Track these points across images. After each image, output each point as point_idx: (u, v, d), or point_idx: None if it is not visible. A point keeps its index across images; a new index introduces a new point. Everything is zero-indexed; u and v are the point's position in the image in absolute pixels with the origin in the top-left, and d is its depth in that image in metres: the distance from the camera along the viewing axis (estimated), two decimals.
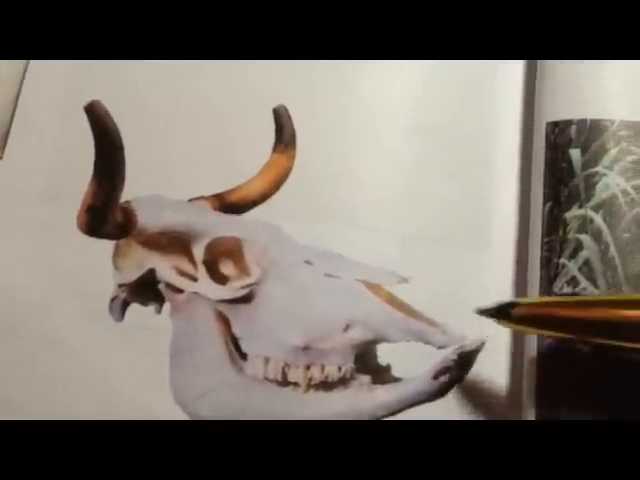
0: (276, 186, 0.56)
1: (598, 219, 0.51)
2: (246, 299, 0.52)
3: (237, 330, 0.52)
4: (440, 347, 0.51)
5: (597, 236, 0.51)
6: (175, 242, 0.53)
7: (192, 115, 0.58)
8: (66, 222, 0.53)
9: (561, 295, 0.50)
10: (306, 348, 0.51)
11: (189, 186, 0.56)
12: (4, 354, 0.54)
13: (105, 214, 0.52)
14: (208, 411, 0.52)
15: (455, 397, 0.51)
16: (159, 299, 0.54)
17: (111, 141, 0.52)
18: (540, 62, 0.57)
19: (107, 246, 0.54)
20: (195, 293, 0.53)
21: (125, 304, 0.54)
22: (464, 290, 0.54)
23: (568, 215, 0.51)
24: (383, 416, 0.51)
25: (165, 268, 0.53)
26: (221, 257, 0.53)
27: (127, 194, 0.53)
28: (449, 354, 0.50)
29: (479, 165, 0.57)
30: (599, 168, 0.52)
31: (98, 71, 0.58)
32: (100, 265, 0.54)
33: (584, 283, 0.50)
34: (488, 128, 0.58)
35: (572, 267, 0.51)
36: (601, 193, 0.51)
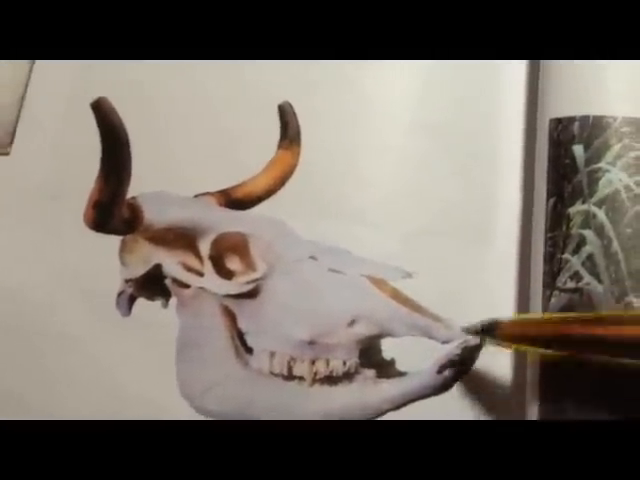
0: (281, 182, 0.56)
1: (601, 214, 0.51)
2: (252, 294, 0.53)
3: (243, 325, 0.53)
4: (444, 342, 0.51)
5: (600, 231, 0.51)
6: (181, 238, 0.53)
7: (198, 112, 0.58)
8: (73, 218, 0.54)
9: (565, 290, 0.50)
10: (311, 343, 0.51)
11: (195, 182, 0.56)
12: (11, 351, 0.54)
13: (112, 210, 0.53)
14: (214, 405, 0.52)
15: (458, 393, 0.51)
16: (165, 294, 0.54)
17: (117, 137, 0.52)
18: (543, 61, 0.57)
19: (114, 242, 0.54)
20: (201, 288, 0.53)
21: (132, 299, 0.54)
22: (468, 285, 0.54)
23: (571, 210, 0.52)
24: (388, 410, 0.51)
25: (171, 263, 0.53)
26: (227, 252, 0.53)
27: (133, 190, 0.54)
28: (453, 349, 0.50)
29: (483, 162, 0.57)
30: (602, 164, 0.52)
31: (103, 69, 0.59)
32: (107, 261, 0.54)
33: (587, 278, 0.50)
34: (491, 125, 0.58)
35: (575, 262, 0.51)
36: (604, 189, 0.52)
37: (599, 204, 0.51)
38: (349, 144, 0.57)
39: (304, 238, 0.54)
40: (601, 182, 0.52)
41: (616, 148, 0.52)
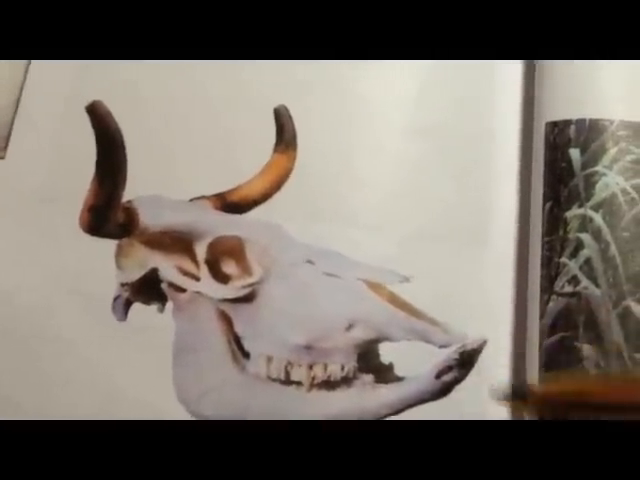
0: (277, 186, 0.56)
1: (598, 218, 0.51)
2: (248, 298, 0.52)
3: (239, 329, 0.53)
4: (442, 346, 0.51)
5: (597, 235, 0.51)
6: (177, 241, 0.53)
7: (193, 115, 0.58)
8: (68, 222, 0.54)
9: (562, 294, 0.50)
10: (308, 347, 0.51)
11: (190, 186, 0.56)
12: (7, 354, 0.54)
13: (107, 214, 0.52)
14: (211, 410, 0.52)
15: (457, 396, 0.51)
16: (162, 298, 0.54)
17: (113, 141, 0.52)
18: (539, 62, 0.57)
19: (109, 246, 0.54)
20: (197, 292, 0.53)
21: (128, 303, 0.54)
22: (465, 289, 0.54)
23: (568, 214, 0.52)
24: (386, 415, 0.51)
25: (167, 267, 0.53)
26: (223, 256, 0.53)
27: (129, 194, 0.54)
28: (451, 353, 0.51)
29: (479, 165, 0.57)
30: (599, 168, 0.52)
31: (99, 72, 0.58)
32: (102, 265, 0.54)
33: (585, 282, 0.50)
34: (488, 128, 0.58)
35: (573, 266, 0.51)
36: (601, 192, 0.52)
37: (596, 208, 0.51)
38: (345, 147, 0.57)
39: (300, 242, 0.54)
40: (598, 186, 0.52)
41: (613, 152, 0.52)
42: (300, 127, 0.57)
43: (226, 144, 0.57)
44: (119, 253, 0.54)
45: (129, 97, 0.57)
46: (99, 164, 0.52)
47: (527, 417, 0.50)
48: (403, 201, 0.56)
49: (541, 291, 0.51)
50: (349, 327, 0.51)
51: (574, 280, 0.51)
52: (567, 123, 0.53)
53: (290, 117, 0.57)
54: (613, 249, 0.50)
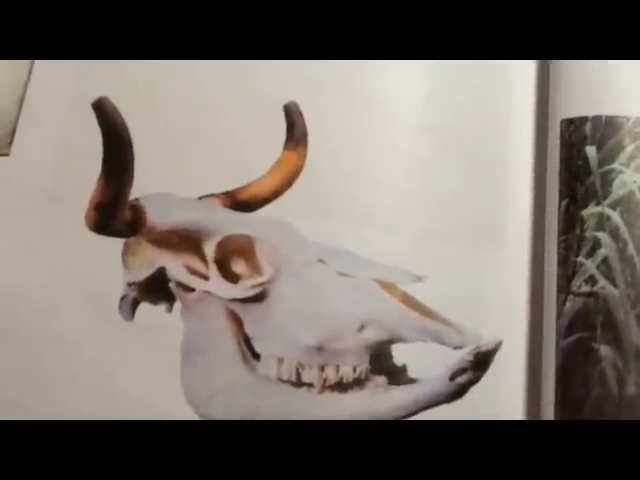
0: (288, 183, 0.55)
1: (615, 216, 0.50)
2: (258, 298, 0.52)
3: (249, 330, 0.52)
4: (456, 347, 0.50)
5: (615, 234, 0.50)
6: (185, 240, 0.52)
7: (202, 112, 0.57)
8: (74, 220, 0.53)
9: (579, 294, 0.50)
10: (320, 348, 0.50)
11: (199, 184, 0.55)
12: (13, 354, 0.53)
13: (114, 212, 0.52)
14: (220, 412, 0.51)
15: (471, 398, 0.50)
16: (170, 298, 0.53)
17: (120, 137, 0.51)
18: (553, 61, 0.56)
19: (116, 244, 0.53)
20: (206, 292, 0.52)
21: (135, 303, 0.53)
22: (479, 289, 0.53)
23: (585, 213, 0.51)
24: (399, 417, 0.50)
25: (176, 266, 0.52)
26: (232, 255, 0.52)
27: (136, 192, 0.53)
28: (465, 355, 0.50)
29: (493, 163, 0.56)
30: (615, 165, 0.51)
31: (106, 69, 0.58)
32: (109, 264, 0.53)
33: (602, 282, 0.50)
34: (501, 126, 0.57)
35: (590, 265, 0.50)
36: (618, 190, 0.51)
37: (613, 206, 0.51)
38: (357, 145, 0.56)
39: (311, 240, 0.53)
40: (615, 183, 0.51)
41: (630, 149, 0.52)
42: (311, 125, 0.56)
43: (236, 141, 0.57)
44: (126, 252, 0.53)
45: (136, 95, 0.57)
46: (106, 161, 0.51)
47: None
48: (416, 200, 0.55)
49: (557, 291, 0.51)
50: (361, 328, 0.50)
51: (591, 280, 0.50)
52: (583, 120, 0.53)
53: (300, 113, 0.56)
54: (631, 248, 0.50)
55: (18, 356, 0.53)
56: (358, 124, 0.57)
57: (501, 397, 0.51)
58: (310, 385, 0.51)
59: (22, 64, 0.59)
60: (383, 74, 0.58)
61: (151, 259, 0.53)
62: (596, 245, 0.50)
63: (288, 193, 0.55)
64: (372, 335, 0.50)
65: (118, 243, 0.53)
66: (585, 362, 0.49)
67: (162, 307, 0.53)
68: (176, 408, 0.51)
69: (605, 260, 0.50)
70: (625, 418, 0.48)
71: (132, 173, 0.52)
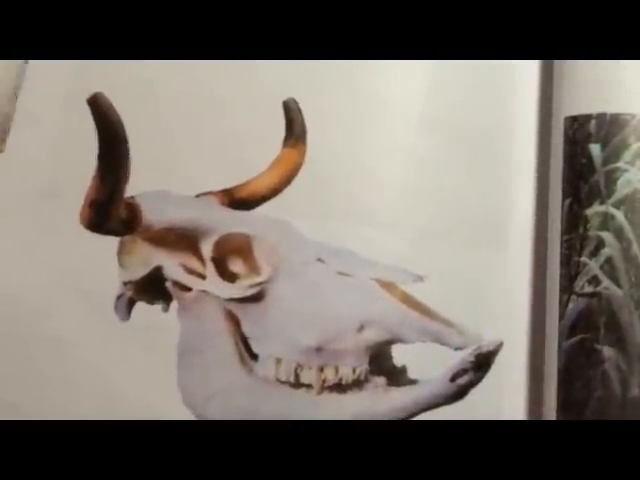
0: (286, 181, 0.55)
1: (620, 216, 0.50)
2: (256, 298, 0.51)
3: (247, 330, 0.51)
4: (457, 348, 0.49)
5: (619, 233, 0.50)
6: (182, 239, 0.52)
7: (199, 108, 0.57)
8: (69, 218, 0.52)
9: (582, 295, 0.49)
10: (319, 349, 0.50)
11: (196, 181, 0.54)
12: (7, 354, 0.52)
13: (109, 209, 0.51)
14: (218, 414, 0.50)
15: (472, 400, 0.50)
16: (166, 297, 0.52)
17: (115, 134, 0.50)
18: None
19: (112, 243, 0.53)
20: (203, 291, 0.51)
21: (131, 303, 0.53)
22: (481, 289, 0.53)
23: (589, 212, 0.51)
24: (399, 419, 0.50)
25: (172, 265, 0.52)
26: (230, 254, 0.52)
27: (132, 189, 0.52)
28: (466, 356, 0.49)
29: (496, 162, 0.56)
30: (620, 164, 0.51)
31: (102, 65, 0.57)
32: (104, 262, 0.53)
33: (606, 282, 0.49)
34: (505, 124, 0.57)
35: (593, 265, 0.50)
36: (622, 189, 0.51)
37: (617, 205, 0.50)
38: (357, 142, 0.56)
39: (311, 239, 0.53)
40: (619, 182, 0.51)
41: (635, 147, 0.51)
42: (310, 123, 0.56)
43: (234, 138, 0.56)
44: (122, 250, 0.53)
45: (132, 91, 0.56)
46: (101, 158, 0.50)
47: None
48: (417, 199, 0.55)
49: (560, 291, 0.50)
50: (361, 328, 0.50)
51: (595, 280, 0.50)
52: (587, 118, 0.52)
53: (299, 110, 0.56)
54: (635, 248, 0.50)
55: (13, 356, 0.52)
56: (358, 122, 0.57)
57: (502, 398, 0.51)
58: (309, 386, 0.50)
59: (16, 61, 0.58)
60: (384, 72, 0.58)
61: (147, 258, 0.52)
62: (600, 245, 0.50)
63: (287, 191, 0.55)
64: (372, 335, 0.50)
65: (114, 241, 0.53)
66: (588, 363, 0.48)
67: (158, 307, 0.53)
68: (173, 409, 0.50)
69: (609, 260, 0.50)
70: (628, 420, 0.47)
71: (128, 170, 0.51)
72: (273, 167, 0.55)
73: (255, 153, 0.55)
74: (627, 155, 0.51)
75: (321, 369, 0.50)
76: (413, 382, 0.51)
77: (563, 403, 0.49)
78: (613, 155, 0.51)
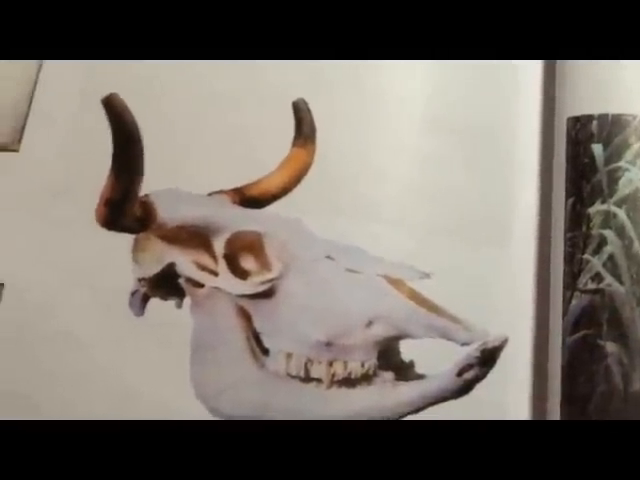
0: (296, 180, 0.55)
1: (622, 214, 0.51)
2: (267, 294, 0.52)
3: (258, 325, 0.52)
4: (463, 344, 0.50)
5: (621, 231, 0.51)
6: (195, 236, 0.53)
7: (212, 109, 0.57)
8: (84, 216, 0.53)
9: (585, 291, 0.50)
10: (328, 344, 0.51)
11: (208, 180, 0.55)
12: (22, 351, 0.53)
13: (124, 207, 0.52)
14: (230, 408, 0.51)
15: (478, 394, 0.51)
16: (179, 294, 0.53)
17: (129, 134, 0.51)
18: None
19: (126, 240, 0.53)
20: (216, 288, 0.52)
21: (145, 298, 0.53)
22: (486, 286, 0.53)
23: (591, 210, 0.51)
24: (406, 413, 0.50)
25: (185, 262, 0.52)
26: (242, 252, 0.53)
27: (146, 188, 0.53)
28: (472, 351, 0.50)
29: (500, 161, 0.56)
30: (622, 163, 0.52)
31: (115, 65, 0.58)
32: (119, 259, 0.53)
33: (609, 279, 0.50)
34: (509, 124, 0.57)
35: (596, 263, 0.50)
36: (624, 188, 0.51)
37: (619, 204, 0.51)
38: (364, 142, 0.57)
39: (320, 237, 0.53)
40: (621, 181, 0.52)
41: (636, 147, 0.52)
42: (319, 123, 0.57)
43: (245, 138, 0.57)
44: (136, 248, 0.53)
45: (145, 92, 0.57)
46: (115, 158, 0.51)
47: None
48: (424, 197, 0.55)
49: (564, 288, 0.51)
50: (369, 324, 0.51)
51: (597, 277, 0.50)
52: (589, 118, 0.53)
53: (309, 110, 0.56)
54: (637, 245, 0.50)
55: (27, 352, 0.53)
56: (365, 122, 0.57)
57: (507, 393, 0.51)
58: (319, 380, 0.51)
59: (30, 62, 0.59)
60: (390, 74, 0.58)
61: (161, 255, 0.53)
62: (602, 242, 0.51)
63: (297, 190, 0.55)
64: (380, 331, 0.51)
65: (128, 239, 0.53)
66: (591, 359, 0.49)
67: (172, 303, 0.53)
68: (186, 403, 0.51)
69: (611, 257, 0.50)
70: (631, 414, 0.48)
71: (142, 169, 0.52)
72: (283, 166, 0.56)
73: (265, 152, 0.56)
74: (628, 155, 0.52)
75: (330, 364, 0.51)
76: (420, 377, 0.51)
77: (567, 398, 0.49)
78: (615, 155, 0.52)
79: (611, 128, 0.52)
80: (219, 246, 0.52)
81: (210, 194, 0.55)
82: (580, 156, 0.53)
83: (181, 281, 0.53)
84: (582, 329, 0.50)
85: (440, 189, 0.55)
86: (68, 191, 0.56)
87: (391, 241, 0.54)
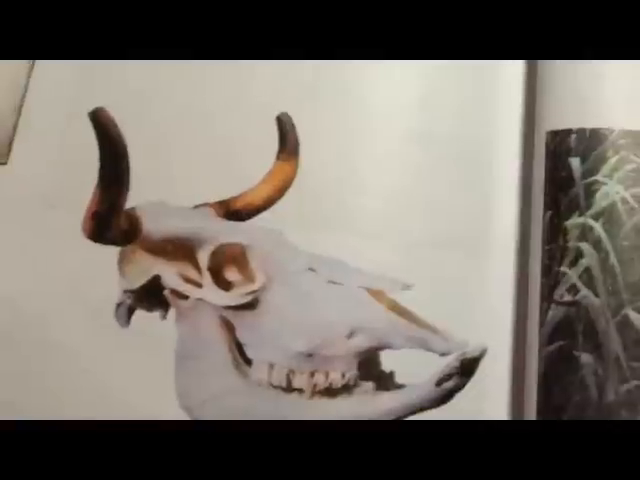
0: (280, 193, 0.56)
1: (598, 227, 0.51)
2: (251, 305, 0.53)
3: (242, 336, 0.53)
4: (442, 354, 0.51)
5: (597, 244, 0.51)
6: (180, 248, 0.53)
7: (197, 122, 0.58)
8: (71, 228, 0.53)
9: (562, 303, 0.51)
10: (310, 355, 0.51)
11: (193, 193, 0.56)
12: (9, 361, 0.54)
13: (110, 220, 0.52)
14: (213, 416, 0.52)
15: (457, 404, 0.51)
16: (164, 305, 0.54)
17: (115, 148, 0.52)
18: (540, 70, 0.57)
19: (112, 252, 0.54)
20: (200, 299, 0.53)
21: (131, 310, 0.54)
22: (466, 297, 0.54)
23: (568, 223, 0.52)
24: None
25: (170, 274, 0.53)
26: (226, 264, 0.53)
27: (132, 201, 0.53)
28: (451, 361, 0.51)
29: (480, 173, 0.57)
30: (599, 177, 0.52)
31: (102, 78, 0.59)
32: (105, 271, 0.54)
33: (584, 291, 0.51)
34: (490, 137, 0.58)
35: (572, 275, 0.51)
36: (601, 201, 0.52)
37: (596, 217, 0.52)
38: (346, 155, 0.58)
39: (302, 249, 0.54)
40: (598, 195, 0.52)
41: (613, 161, 0.52)
42: (303, 135, 0.57)
43: (229, 151, 0.58)
44: (122, 260, 0.54)
45: (133, 103, 0.57)
46: (102, 171, 0.52)
47: None
48: (405, 210, 0.56)
49: (541, 300, 0.52)
50: (350, 335, 0.51)
51: (573, 289, 0.51)
52: (568, 132, 0.54)
53: (293, 125, 0.57)
54: (612, 258, 0.51)
55: (15, 362, 0.54)
56: (349, 135, 0.58)
57: (485, 402, 0.52)
58: (300, 390, 0.52)
59: (21, 72, 0.59)
60: (372, 80, 0.59)
61: (146, 267, 0.53)
62: (578, 255, 0.51)
63: (280, 202, 0.56)
64: (361, 342, 0.51)
65: (114, 251, 0.54)
66: (566, 369, 0.50)
67: (157, 314, 0.54)
68: (170, 412, 0.52)
69: (587, 270, 0.51)
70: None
71: (128, 183, 0.52)
72: (267, 180, 0.56)
73: (249, 166, 0.57)
74: (605, 169, 0.52)
75: (312, 374, 0.51)
76: (400, 387, 0.52)
77: (543, 407, 0.50)
78: (592, 168, 0.52)
79: (589, 142, 0.53)
80: (203, 258, 0.53)
81: (195, 207, 0.56)
82: (558, 169, 0.53)
83: (166, 293, 0.53)
84: (558, 340, 0.50)
85: (421, 202, 0.56)
86: (56, 204, 0.57)
87: (372, 253, 0.55)
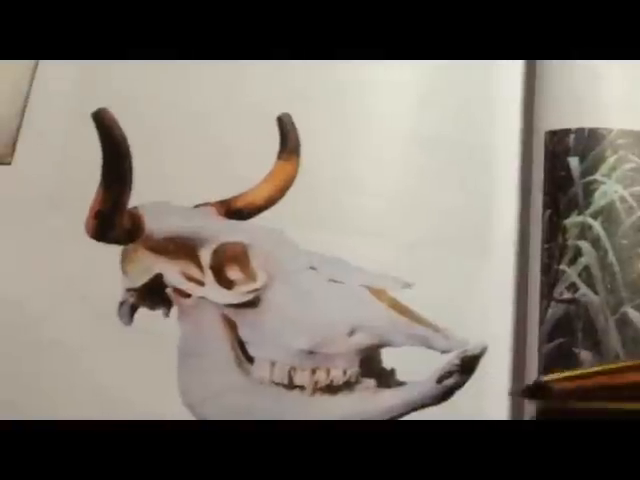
0: (281, 193, 0.57)
1: (597, 226, 0.52)
2: (252, 304, 0.53)
3: (244, 334, 0.53)
4: (443, 352, 0.51)
5: (596, 243, 0.51)
6: (182, 247, 0.54)
7: (198, 122, 0.59)
8: (74, 228, 0.54)
9: (561, 301, 0.51)
10: (311, 352, 0.52)
11: (195, 192, 0.56)
12: (12, 360, 0.54)
13: (113, 220, 0.53)
14: (216, 414, 0.52)
15: (458, 401, 0.52)
16: (167, 303, 0.54)
17: (118, 148, 0.53)
18: (539, 70, 0.57)
19: (115, 251, 0.54)
20: (202, 297, 0.53)
21: (133, 308, 0.54)
22: (466, 295, 0.54)
23: (567, 222, 0.52)
24: (388, 419, 0.51)
25: (172, 273, 0.54)
26: (227, 262, 0.54)
27: (134, 200, 0.54)
28: (452, 359, 0.51)
29: (480, 173, 0.57)
30: (597, 176, 0.53)
31: (105, 79, 0.59)
32: (108, 270, 0.54)
33: (583, 289, 0.51)
34: (488, 137, 0.58)
35: (572, 273, 0.51)
36: (599, 200, 0.52)
37: (595, 216, 0.52)
38: (347, 155, 0.58)
39: (303, 248, 0.55)
40: (596, 194, 0.52)
41: (611, 160, 0.53)
42: (304, 135, 0.58)
43: (230, 152, 0.58)
44: (125, 259, 0.54)
45: (134, 106, 0.58)
46: (105, 171, 0.52)
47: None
48: (405, 208, 0.56)
49: (541, 298, 0.52)
50: (351, 333, 0.52)
51: (573, 287, 0.51)
52: (566, 132, 0.54)
53: (293, 125, 0.57)
54: (611, 256, 0.51)
55: (17, 361, 0.54)
56: (349, 135, 0.58)
57: (486, 399, 0.52)
58: (302, 387, 0.52)
59: (24, 74, 0.60)
60: (372, 82, 0.59)
61: (149, 266, 0.54)
62: (578, 253, 0.51)
63: (281, 202, 0.56)
64: (362, 340, 0.52)
65: (117, 250, 0.54)
66: (565, 367, 0.50)
67: (159, 312, 0.54)
68: (173, 410, 0.52)
69: (586, 268, 0.51)
70: None
71: (130, 183, 0.53)
72: (268, 179, 0.57)
73: (251, 166, 0.57)
74: (604, 168, 0.53)
75: (313, 371, 0.52)
76: (401, 384, 0.52)
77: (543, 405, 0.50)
78: (591, 168, 0.53)
79: (587, 142, 0.53)
80: (205, 257, 0.53)
81: (197, 206, 0.56)
82: (557, 169, 0.53)
83: (168, 291, 0.54)
84: (557, 338, 0.50)
85: (421, 201, 0.56)
86: (59, 203, 0.57)
87: (373, 252, 0.55)
